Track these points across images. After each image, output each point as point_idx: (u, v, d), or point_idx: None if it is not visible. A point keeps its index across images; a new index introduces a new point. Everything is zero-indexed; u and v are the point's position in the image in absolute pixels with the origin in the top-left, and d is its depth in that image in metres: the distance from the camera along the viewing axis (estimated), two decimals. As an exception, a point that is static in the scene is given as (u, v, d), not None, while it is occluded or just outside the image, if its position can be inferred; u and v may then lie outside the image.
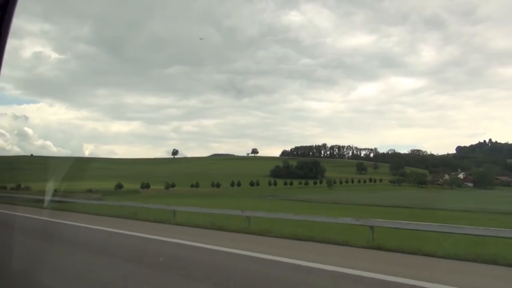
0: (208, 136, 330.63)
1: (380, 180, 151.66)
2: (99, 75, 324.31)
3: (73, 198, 28.74)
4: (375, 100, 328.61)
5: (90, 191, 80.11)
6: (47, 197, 23.01)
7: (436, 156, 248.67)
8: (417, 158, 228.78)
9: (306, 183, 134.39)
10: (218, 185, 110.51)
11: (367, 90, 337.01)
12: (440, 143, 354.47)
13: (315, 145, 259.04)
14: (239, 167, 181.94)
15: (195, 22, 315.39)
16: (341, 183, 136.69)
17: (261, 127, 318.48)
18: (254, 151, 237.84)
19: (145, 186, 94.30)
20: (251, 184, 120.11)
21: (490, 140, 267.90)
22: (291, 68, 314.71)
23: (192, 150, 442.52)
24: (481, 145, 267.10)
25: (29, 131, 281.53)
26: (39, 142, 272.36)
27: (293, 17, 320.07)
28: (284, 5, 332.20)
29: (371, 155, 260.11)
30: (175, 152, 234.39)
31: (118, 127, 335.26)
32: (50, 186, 24.43)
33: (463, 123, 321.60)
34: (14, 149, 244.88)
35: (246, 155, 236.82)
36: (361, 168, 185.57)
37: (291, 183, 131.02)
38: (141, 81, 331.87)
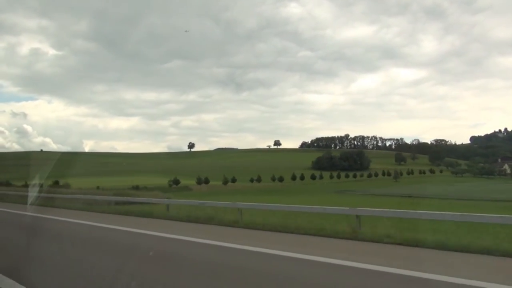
0: (208, 130, 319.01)
1: (441, 171, 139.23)
2: (97, 71, 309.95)
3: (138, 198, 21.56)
4: (375, 92, 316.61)
5: (137, 188, 64.88)
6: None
7: (463, 146, 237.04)
8: (446, 149, 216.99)
9: (370, 175, 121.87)
10: (281, 179, 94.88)
11: (367, 82, 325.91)
12: (443, 133, 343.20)
13: (338, 136, 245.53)
14: (264, 160, 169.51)
15: (194, 16, 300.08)
16: (401, 174, 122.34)
17: (260, 121, 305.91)
18: (277, 143, 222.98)
19: (203, 181, 77.34)
20: (312, 177, 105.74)
21: (505, 129, 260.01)
22: (291, 61, 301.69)
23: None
24: (497, 135, 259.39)
25: (28, 128, 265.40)
26: (39, 139, 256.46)
27: (293, 9, 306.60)
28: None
29: (393, 146, 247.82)
30: (191, 145, 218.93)
31: (118, 123, 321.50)
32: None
33: (464, 113, 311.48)
34: (14, 146, 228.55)
35: (267, 147, 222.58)
36: (400, 159, 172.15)
37: (355, 176, 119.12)
38: (140, 76, 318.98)
